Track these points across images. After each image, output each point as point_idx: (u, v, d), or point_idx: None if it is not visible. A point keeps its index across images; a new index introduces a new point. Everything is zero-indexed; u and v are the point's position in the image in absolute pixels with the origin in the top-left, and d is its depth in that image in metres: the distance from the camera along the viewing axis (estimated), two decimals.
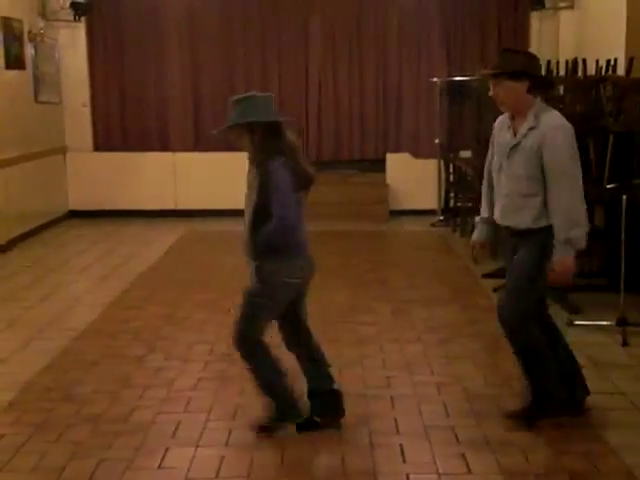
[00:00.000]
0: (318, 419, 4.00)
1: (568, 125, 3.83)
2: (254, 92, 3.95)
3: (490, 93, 3.94)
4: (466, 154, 9.52)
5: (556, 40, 10.01)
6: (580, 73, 7.46)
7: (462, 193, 9.08)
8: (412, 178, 10.24)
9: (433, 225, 9.82)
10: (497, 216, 4.04)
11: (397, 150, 10.56)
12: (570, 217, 3.76)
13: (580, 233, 3.77)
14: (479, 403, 4.32)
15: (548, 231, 3.81)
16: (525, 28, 10.33)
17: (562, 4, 9.92)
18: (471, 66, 10.11)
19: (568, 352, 4.17)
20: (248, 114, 3.77)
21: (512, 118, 3.95)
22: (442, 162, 10.10)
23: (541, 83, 3.96)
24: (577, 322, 5.62)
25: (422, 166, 10.38)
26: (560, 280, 3.84)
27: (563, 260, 3.77)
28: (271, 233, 3.73)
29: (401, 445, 3.84)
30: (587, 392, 4.16)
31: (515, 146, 3.88)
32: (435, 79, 10.11)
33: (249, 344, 3.88)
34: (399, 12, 10.36)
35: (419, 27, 10.38)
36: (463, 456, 3.71)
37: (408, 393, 4.40)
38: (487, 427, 4.00)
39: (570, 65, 7.73)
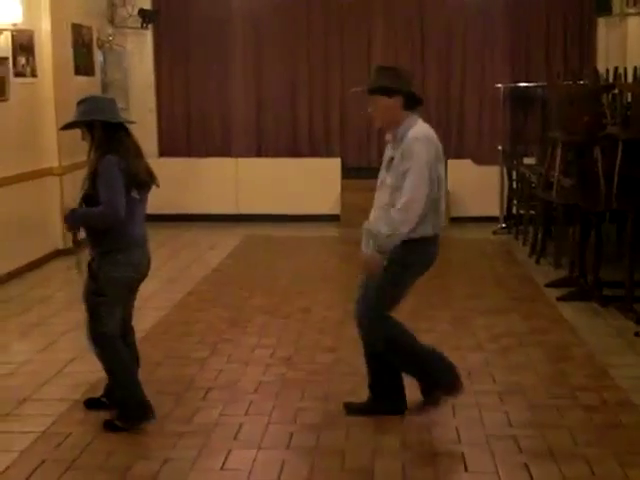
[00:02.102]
0: (105, 399, 4.30)
1: (429, 138, 3.94)
2: (96, 94, 4.16)
3: (369, 110, 4.07)
4: (530, 161, 9.42)
5: (624, 47, 9.81)
6: None
7: (524, 200, 8.99)
8: (474, 185, 10.16)
9: (495, 233, 9.73)
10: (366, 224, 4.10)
11: (459, 156, 10.48)
12: (391, 223, 3.86)
13: (388, 239, 3.88)
14: (542, 413, 4.28)
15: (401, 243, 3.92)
16: (591, 34, 10.16)
17: (630, 10, 9.72)
18: (536, 72, 10.03)
19: None
20: (89, 113, 4.03)
21: (389, 133, 4.08)
22: (504, 169, 10.01)
23: (414, 99, 4.04)
24: None
25: (484, 173, 10.29)
26: (366, 270, 4.04)
27: (370, 254, 3.95)
28: (94, 219, 4.00)
29: (463, 454, 3.83)
30: None
31: (391, 160, 4.01)
32: (499, 85, 10.03)
33: (100, 340, 4.10)
34: (464, 19, 10.32)
35: (483, 33, 10.30)
36: (526, 466, 3.67)
37: (470, 402, 4.37)
38: (550, 437, 3.96)
39: (638, 72, 7.60)
